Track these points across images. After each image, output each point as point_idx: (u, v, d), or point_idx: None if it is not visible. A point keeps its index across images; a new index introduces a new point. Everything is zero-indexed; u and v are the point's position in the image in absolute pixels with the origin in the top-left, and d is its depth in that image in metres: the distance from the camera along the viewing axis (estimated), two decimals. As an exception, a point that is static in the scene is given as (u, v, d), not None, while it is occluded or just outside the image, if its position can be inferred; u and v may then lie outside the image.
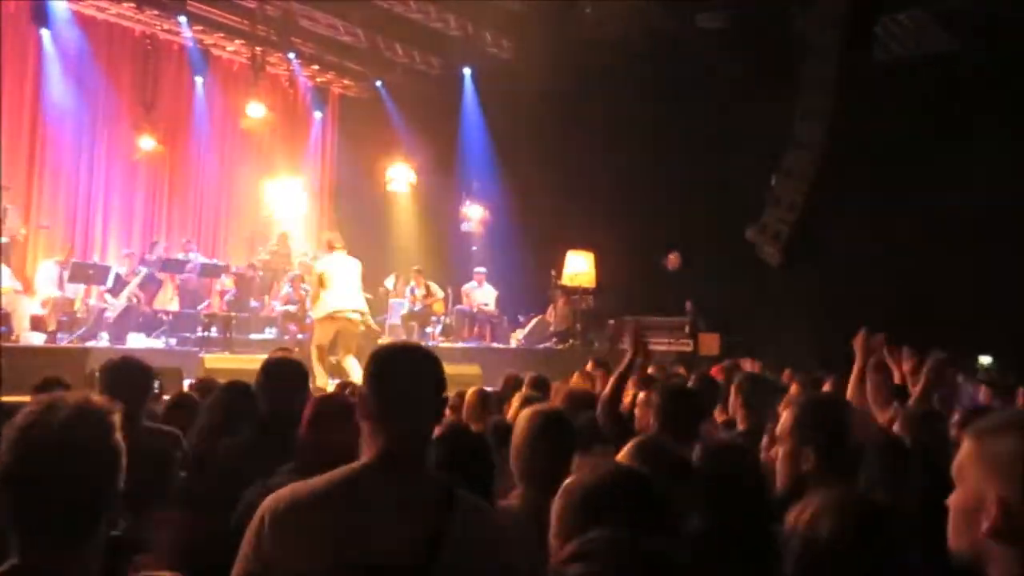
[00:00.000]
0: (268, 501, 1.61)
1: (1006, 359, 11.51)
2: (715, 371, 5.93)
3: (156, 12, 13.01)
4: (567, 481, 1.58)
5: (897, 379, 5.00)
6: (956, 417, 3.49)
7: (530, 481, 2.32)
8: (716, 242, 12.58)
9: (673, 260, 13.25)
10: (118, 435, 1.47)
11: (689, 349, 11.70)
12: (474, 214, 14.87)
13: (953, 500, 1.14)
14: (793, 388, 5.27)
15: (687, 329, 12.08)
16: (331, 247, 8.94)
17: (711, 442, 2.38)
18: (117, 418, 1.48)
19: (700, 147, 12.72)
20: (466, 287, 13.41)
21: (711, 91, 12.56)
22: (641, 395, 4.05)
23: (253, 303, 12.50)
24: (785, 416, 2.11)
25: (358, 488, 1.59)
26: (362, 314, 9.13)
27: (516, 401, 4.15)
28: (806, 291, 11.71)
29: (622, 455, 2.04)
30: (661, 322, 12.49)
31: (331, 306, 8.70)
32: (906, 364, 5.19)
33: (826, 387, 5.04)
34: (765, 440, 2.76)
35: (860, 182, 11.53)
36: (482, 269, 13.54)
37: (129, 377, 3.29)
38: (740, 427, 3.63)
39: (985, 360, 12.26)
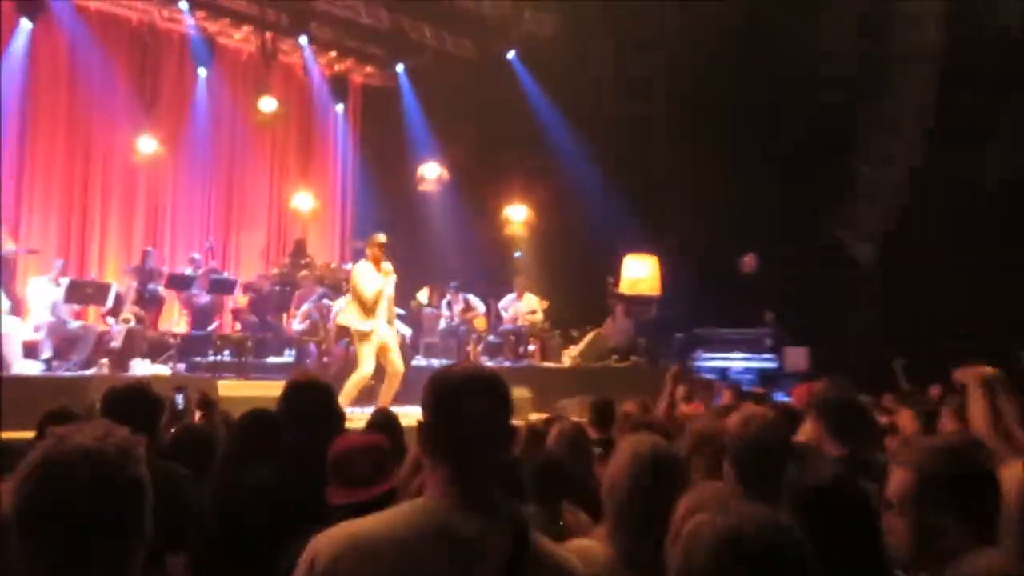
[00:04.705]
0: (319, 543, 1.61)
1: None
2: (798, 392, 5.66)
3: (154, -2, 13.24)
4: (693, 527, 1.47)
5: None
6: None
7: (622, 523, 2.33)
8: (799, 241, 12.39)
9: (749, 262, 13.06)
10: (143, 468, 1.52)
11: (773, 366, 11.51)
12: (518, 216, 14.85)
13: None
14: (905, 420, 4.80)
15: (768, 343, 11.87)
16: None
17: (806, 482, 2.18)
18: (142, 450, 1.54)
19: (777, 134, 12.56)
20: (504, 301, 13.31)
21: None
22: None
23: (269, 321, 12.57)
24: (901, 476, 1.88)
25: (426, 530, 1.59)
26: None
27: (556, 430, 4.13)
28: (905, 297, 11.47)
29: None
30: (737, 336, 12.33)
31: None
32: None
33: (944, 420, 4.44)
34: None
35: (968, 166, 11.24)
36: (522, 278, 13.48)
37: (135, 408, 3.31)
38: (833, 452, 3.42)
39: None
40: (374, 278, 8.64)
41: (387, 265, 8.73)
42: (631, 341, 12.95)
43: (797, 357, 11.66)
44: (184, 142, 14.24)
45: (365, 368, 8.61)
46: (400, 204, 15.05)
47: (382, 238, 8.80)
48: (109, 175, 13.63)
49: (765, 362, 11.82)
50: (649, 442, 2.43)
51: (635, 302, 13.29)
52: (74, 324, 10.38)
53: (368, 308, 8.60)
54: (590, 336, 13.06)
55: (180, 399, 4.44)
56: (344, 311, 9.25)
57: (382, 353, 8.68)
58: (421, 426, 1.68)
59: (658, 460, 2.36)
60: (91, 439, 1.48)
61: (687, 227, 12.85)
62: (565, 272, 13.89)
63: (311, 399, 3.16)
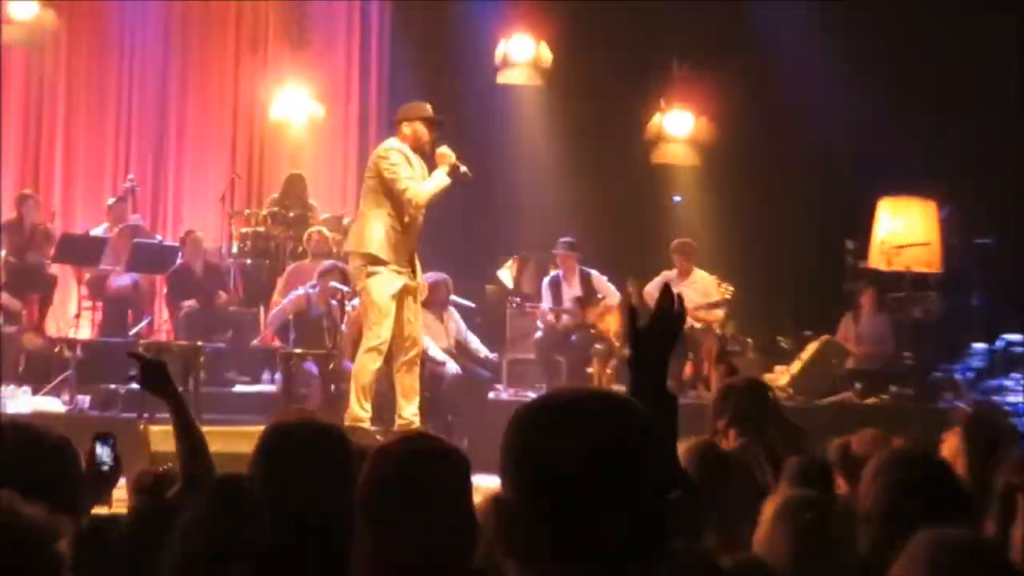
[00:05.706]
0: None
1: None
2: None
3: None
4: None
5: None
6: None
7: None
8: None
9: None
10: None
11: None
12: (678, 132, 14.82)
13: None
14: None
15: None
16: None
17: None
18: (63, 548, 1.77)
19: None
20: (654, 285, 12.99)
21: None
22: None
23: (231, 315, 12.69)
24: None
25: None
26: None
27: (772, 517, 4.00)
28: None
29: None
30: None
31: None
32: None
33: None
34: None
35: None
36: (686, 245, 13.42)
37: (32, 469, 3.29)
38: None
39: None
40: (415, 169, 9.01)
41: (444, 149, 9.01)
42: (889, 357, 12.78)
43: None
44: (91, 8, 14.57)
45: (380, 332, 8.93)
46: (461, 110, 14.90)
47: (428, 110, 9.17)
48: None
49: None
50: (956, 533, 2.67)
51: (897, 286, 13.12)
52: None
53: (398, 225, 8.99)
54: (814, 348, 13.05)
55: (106, 454, 4.23)
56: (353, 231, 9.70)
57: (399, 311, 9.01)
58: (501, 508, 1.73)
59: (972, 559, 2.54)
60: None
61: (996, 153, 12.93)
62: (767, 233, 14.02)
63: (309, 456, 3.31)
